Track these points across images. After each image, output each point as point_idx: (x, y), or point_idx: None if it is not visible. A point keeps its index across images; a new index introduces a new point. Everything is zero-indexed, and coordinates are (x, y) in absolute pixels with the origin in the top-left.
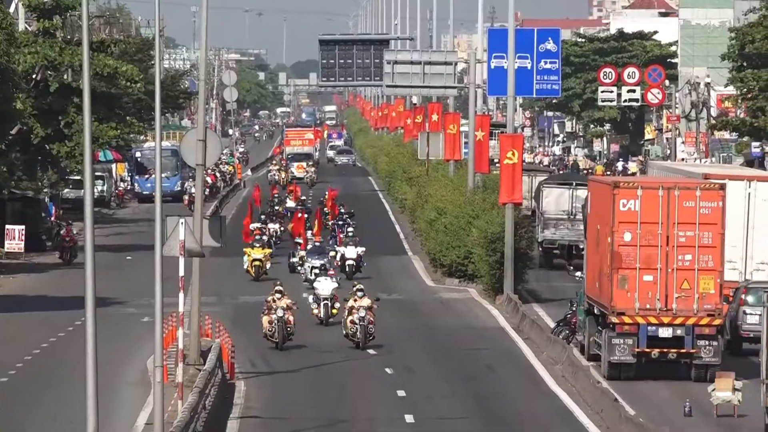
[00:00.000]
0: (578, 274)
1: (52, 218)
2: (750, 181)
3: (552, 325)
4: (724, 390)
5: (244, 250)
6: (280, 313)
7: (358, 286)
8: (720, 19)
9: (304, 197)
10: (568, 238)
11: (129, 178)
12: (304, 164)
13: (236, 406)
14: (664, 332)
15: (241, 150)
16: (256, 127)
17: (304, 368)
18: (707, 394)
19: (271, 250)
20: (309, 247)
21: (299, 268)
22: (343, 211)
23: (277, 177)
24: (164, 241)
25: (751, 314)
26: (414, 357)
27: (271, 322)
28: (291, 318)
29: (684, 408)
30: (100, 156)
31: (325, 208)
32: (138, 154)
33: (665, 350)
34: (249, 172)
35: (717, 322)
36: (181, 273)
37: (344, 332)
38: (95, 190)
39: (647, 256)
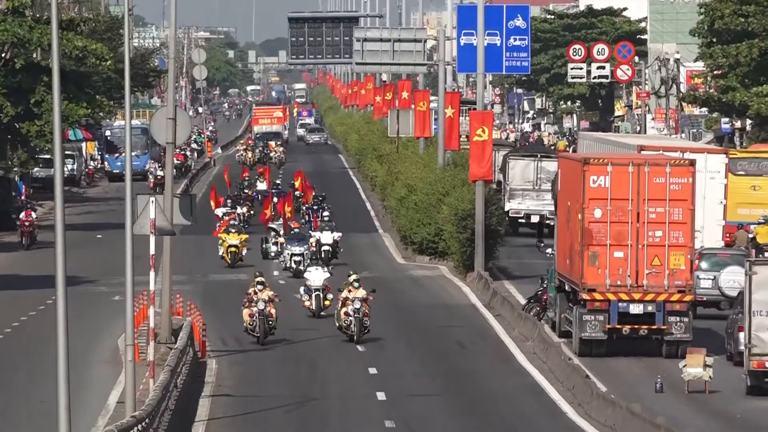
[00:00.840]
0: (549, 251)
1: (22, 197)
2: (683, 153)
3: (523, 302)
4: (695, 366)
5: (219, 236)
6: (261, 305)
7: (353, 276)
8: None
9: (278, 180)
10: (534, 208)
11: (99, 157)
12: (273, 143)
13: (208, 384)
14: (635, 309)
15: (210, 128)
16: (226, 105)
17: (275, 346)
18: (678, 370)
19: (247, 236)
20: (286, 233)
21: (280, 256)
22: (314, 194)
23: (244, 157)
24: (135, 220)
25: (704, 279)
26: (385, 334)
27: (252, 315)
28: (273, 311)
29: (655, 384)
30: (69, 135)
31: (297, 192)
32: (108, 133)
33: (636, 327)
34: (219, 151)
35: (688, 298)
36: (152, 251)
37: (337, 324)
38: (65, 169)
39: (618, 232)
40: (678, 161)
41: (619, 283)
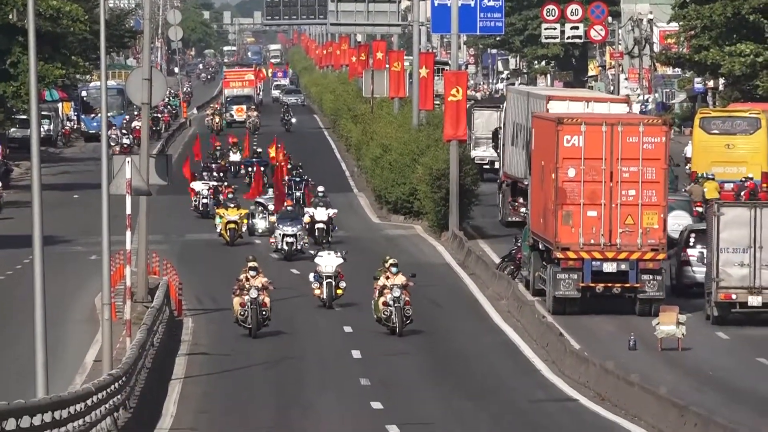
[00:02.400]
0: (523, 210)
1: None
2: (588, 102)
3: (497, 260)
4: (668, 324)
5: (217, 211)
6: (253, 293)
7: (391, 261)
8: None
9: (260, 149)
10: (488, 154)
11: (75, 117)
12: (244, 107)
13: (184, 342)
14: (609, 267)
15: (185, 89)
16: (201, 66)
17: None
18: (651, 328)
19: (246, 211)
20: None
21: (272, 234)
22: (291, 164)
23: (211, 122)
24: (111, 180)
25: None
26: (360, 294)
27: (243, 304)
28: (267, 300)
29: (628, 342)
30: (46, 95)
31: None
32: (84, 94)
33: (609, 285)
34: (195, 111)
35: (661, 256)
36: (128, 211)
37: (376, 316)
38: (41, 130)
39: (591, 191)
40: (651, 120)
41: (592, 241)
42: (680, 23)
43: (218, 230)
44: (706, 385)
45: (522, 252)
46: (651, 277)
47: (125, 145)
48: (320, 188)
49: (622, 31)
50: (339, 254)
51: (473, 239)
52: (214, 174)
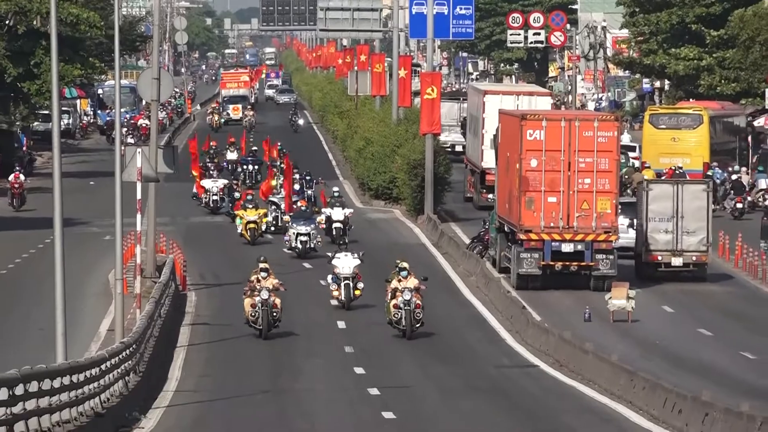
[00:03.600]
0: (490, 196)
1: (24, 148)
2: (518, 95)
3: (467, 241)
4: (619, 298)
5: (237, 212)
6: (264, 295)
7: (401, 264)
8: None
9: (255, 147)
10: (458, 139)
11: (92, 113)
12: (240, 106)
13: (188, 314)
14: (567, 247)
15: (190, 88)
16: (203, 67)
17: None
18: (604, 302)
19: (265, 210)
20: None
21: (286, 234)
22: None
23: (211, 120)
24: (123, 169)
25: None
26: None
27: (254, 305)
28: (278, 301)
29: (584, 314)
30: (65, 93)
31: (276, 162)
32: (101, 91)
33: (567, 263)
34: (198, 107)
35: (613, 238)
36: (139, 196)
37: (387, 319)
38: (62, 123)
39: (551, 180)
40: (604, 116)
41: (552, 224)
42: (630, 30)
43: (239, 231)
44: (653, 353)
45: (489, 234)
46: (604, 256)
47: (129, 145)
48: (335, 189)
49: (579, 37)
50: (356, 255)
51: (446, 222)
52: (212, 172)
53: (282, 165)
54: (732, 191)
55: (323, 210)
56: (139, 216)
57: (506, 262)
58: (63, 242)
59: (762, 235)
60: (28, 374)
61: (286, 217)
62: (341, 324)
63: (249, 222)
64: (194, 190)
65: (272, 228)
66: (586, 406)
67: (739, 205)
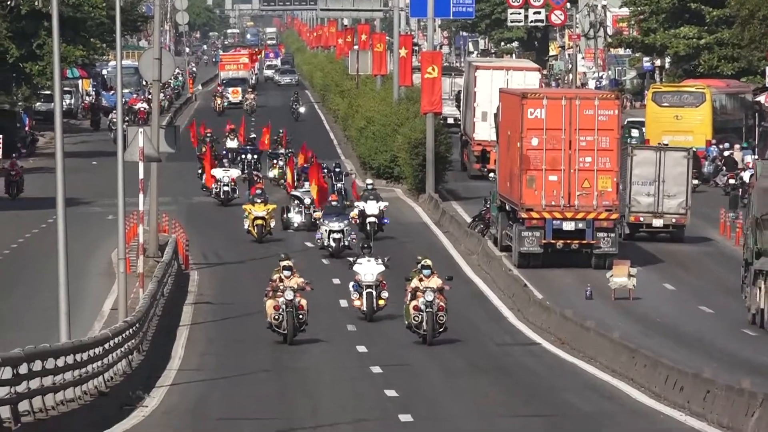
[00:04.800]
0: (491, 175)
1: (26, 128)
2: (507, 70)
3: (468, 220)
4: (620, 276)
5: (244, 207)
6: (289, 295)
7: (424, 262)
8: None
9: (253, 135)
10: (449, 113)
11: (94, 93)
12: (240, 89)
13: (190, 293)
14: (568, 225)
15: (192, 69)
16: (204, 47)
17: (250, 260)
18: (606, 279)
19: (274, 206)
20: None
21: (316, 231)
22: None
23: (214, 103)
24: (125, 148)
25: None
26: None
27: (277, 307)
28: (303, 302)
29: (585, 292)
30: (68, 73)
31: (281, 151)
32: (105, 72)
33: (568, 241)
34: (200, 87)
35: (614, 216)
36: (141, 176)
37: (406, 322)
38: (64, 104)
39: (552, 158)
40: (605, 95)
41: (553, 203)
42: (631, 9)
43: (246, 227)
44: (654, 331)
45: (490, 212)
46: (605, 234)
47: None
48: (369, 181)
49: (579, 16)
50: (380, 261)
51: (447, 201)
52: (224, 162)
53: (288, 152)
54: (724, 167)
55: (356, 204)
56: (141, 195)
57: (507, 241)
58: (65, 222)
59: (730, 206)
60: (32, 353)
61: (317, 214)
62: (343, 303)
63: (256, 218)
64: (203, 181)
65: (295, 225)
66: (587, 384)
67: (732, 181)
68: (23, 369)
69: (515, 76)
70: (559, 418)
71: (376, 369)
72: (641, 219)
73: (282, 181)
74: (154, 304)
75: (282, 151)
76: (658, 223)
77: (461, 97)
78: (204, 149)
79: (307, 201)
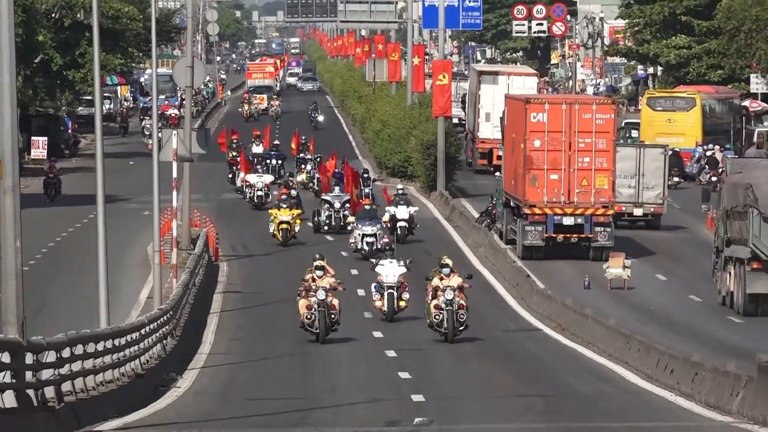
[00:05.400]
0: (497, 174)
1: (69, 131)
2: (509, 75)
3: (476, 215)
4: (616, 267)
5: (270, 211)
6: (321, 295)
7: (444, 261)
8: None
9: (277, 142)
10: (457, 113)
11: (131, 98)
12: (266, 96)
13: (220, 283)
14: (568, 221)
15: (221, 76)
16: (233, 56)
17: (276, 252)
18: (602, 270)
19: (299, 211)
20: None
21: (351, 236)
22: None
23: (242, 109)
24: (160, 149)
25: None
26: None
27: (309, 307)
28: (335, 302)
29: (584, 282)
30: (107, 80)
31: (309, 157)
32: (143, 79)
33: (568, 235)
34: (229, 93)
35: (610, 212)
36: (174, 175)
37: (428, 321)
38: (103, 108)
39: (553, 158)
40: (602, 100)
41: (554, 200)
42: (626, 20)
43: (271, 231)
44: (648, 318)
45: (496, 208)
46: (602, 228)
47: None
48: (399, 186)
49: (579, 27)
50: (402, 263)
51: (456, 198)
52: (258, 167)
53: (318, 158)
54: (707, 166)
55: (387, 209)
56: (174, 193)
57: (512, 235)
58: (105, 217)
59: (702, 199)
60: (74, 338)
61: (351, 218)
62: (361, 292)
63: (282, 222)
64: (237, 184)
65: (325, 228)
66: (586, 367)
67: (714, 179)
68: (66, 353)
69: (514, 80)
70: (559, 398)
71: (391, 353)
72: (623, 208)
73: (311, 185)
74: (187, 293)
75: (309, 156)
76: (638, 212)
77: (466, 100)
78: (232, 154)
79: (337, 205)
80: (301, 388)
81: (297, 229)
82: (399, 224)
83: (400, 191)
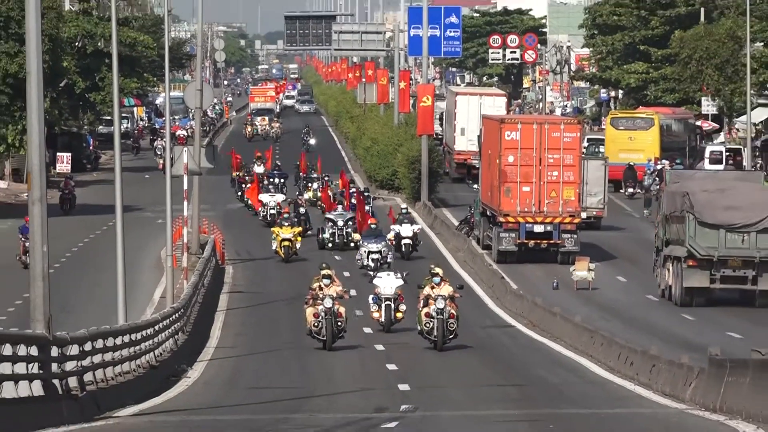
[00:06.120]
0: (475, 186)
1: (91, 148)
2: (481, 96)
3: (456, 223)
4: (581, 270)
5: (272, 229)
6: (328, 303)
7: (435, 270)
8: None
9: (279, 162)
10: (436, 130)
11: (146, 118)
12: (267, 118)
13: (226, 284)
14: (538, 228)
15: (228, 99)
16: (238, 80)
17: (276, 257)
18: (569, 273)
19: (300, 229)
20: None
21: (357, 254)
22: (320, 175)
23: (245, 130)
24: (173, 164)
25: None
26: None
27: (316, 315)
28: (342, 310)
29: (552, 283)
30: (125, 102)
31: (314, 176)
32: (158, 101)
33: (539, 241)
34: (234, 113)
35: (576, 220)
36: (185, 187)
37: (418, 329)
38: (121, 127)
39: (525, 173)
40: (569, 120)
41: (526, 209)
42: (590, 49)
43: (273, 248)
44: (610, 315)
45: (474, 217)
46: (569, 235)
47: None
48: (403, 206)
49: (548, 55)
50: (399, 276)
51: (438, 207)
52: (269, 187)
53: (324, 177)
54: (657, 178)
55: (392, 227)
56: (185, 203)
57: (488, 241)
58: (123, 225)
59: (644, 206)
60: (95, 333)
61: (356, 236)
62: (353, 292)
63: (284, 240)
64: (247, 200)
65: (329, 245)
66: (554, 360)
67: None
68: (88, 346)
69: (486, 100)
70: (530, 387)
71: (380, 347)
72: None
73: (319, 203)
74: (196, 292)
75: (315, 175)
76: (583, 215)
77: (444, 117)
78: (239, 174)
79: (340, 223)
80: (299, 379)
81: (299, 246)
82: (404, 242)
83: (404, 211)
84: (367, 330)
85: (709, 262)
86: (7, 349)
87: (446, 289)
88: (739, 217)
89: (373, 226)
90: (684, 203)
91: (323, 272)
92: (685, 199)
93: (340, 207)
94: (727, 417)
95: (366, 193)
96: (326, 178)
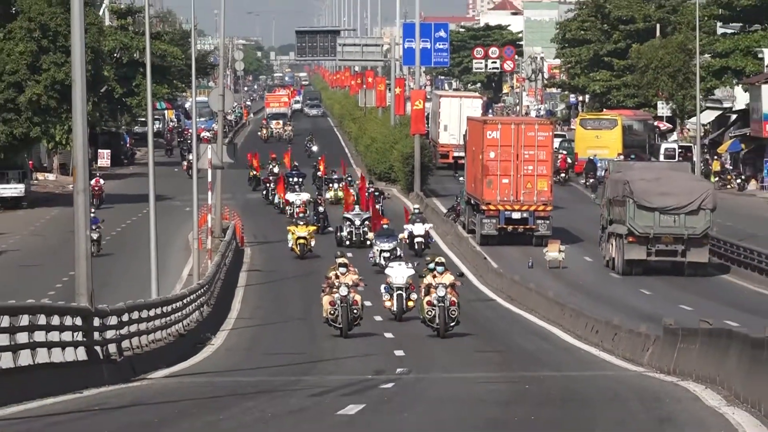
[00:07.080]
0: (461, 178)
1: (127, 145)
2: (461, 98)
3: (444, 211)
4: (553, 251)
5: (288, 228)
6: (344, 291)
7: (437, 260)
8: (550, 16)
9: (297, 163)
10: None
11: (176, 120)
12: (281, 122)
13: (245, 263)
14: (516, 215)
15: (247, 103)
16: (255, 87)
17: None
18: (543, 254)
19: (315, 227)
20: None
21: (369, 250)
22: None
23: (260, 133)
24: (198, 159)
25: None
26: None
27: (333, 303)
28: (358, 298)
29: (528, 263)
30: (157, 105)
31: (335, 177)
32: (187, 105)
33: (516, 226)
34: (252, 115)
35: (549, 208)
36: (209, 179)
37: (421, 317)
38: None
39: (505, 167)
40: (542, 121)
41: (505, 199)
42: (561, 59)
43: (290, 245)
44: (578, 291)
45: (460, 205)
46: (542, 221)
47: (191, 160)
48: (416, 206)
49: (524, 64)
50: (410, 265)
51: (429, 197)
52: (295, 186)
53: (346, 178)
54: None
55: (405, 226)
56: (209, 193)
57: (472, 226)
58: (155, 212)
59: (592, 191)
60: (131, 306)
61: (370, 235)
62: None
63: (299, 237)
64: (275, 200)
65: (347, 242)
66: (530, 329)
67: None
68: (125, 317)
69: (465, 102)
70: (509, 353)
71: (378, 318)
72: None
73: (341, 201)
74: (219, 271)
75: (336, 176)
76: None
77: (430, 116)
78: (257, 174)
79: (357, 222)
80: (308, 346)
81: (313, 243)
82: (416, 239)
83: (416, 210)
84: (350, 254)
85: (645, 239)
86: (56, 320)
87: (447, 278)
88: (671, 201)
89: (385, 226)
90: (625, 189)
91: (339, 261)
92: (626, 186)
93: (357, 207)
94: (680, 378)
95: (376, 193)
96: (349, 179)
